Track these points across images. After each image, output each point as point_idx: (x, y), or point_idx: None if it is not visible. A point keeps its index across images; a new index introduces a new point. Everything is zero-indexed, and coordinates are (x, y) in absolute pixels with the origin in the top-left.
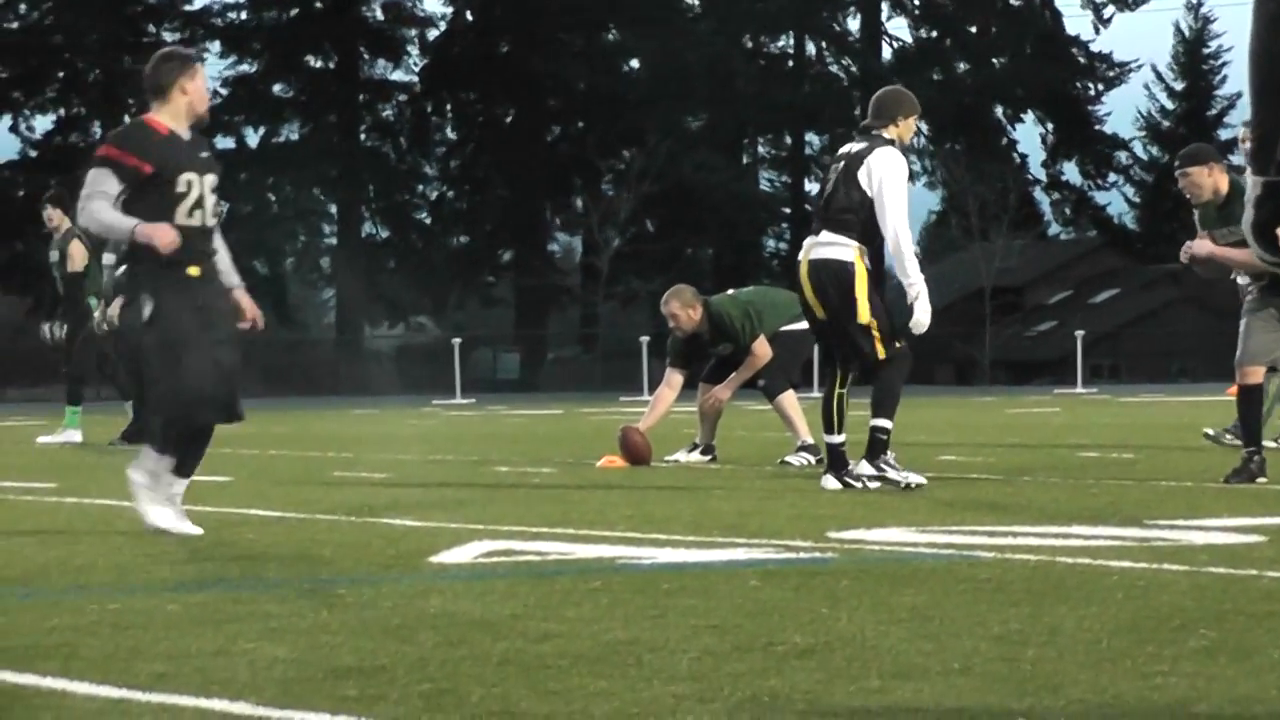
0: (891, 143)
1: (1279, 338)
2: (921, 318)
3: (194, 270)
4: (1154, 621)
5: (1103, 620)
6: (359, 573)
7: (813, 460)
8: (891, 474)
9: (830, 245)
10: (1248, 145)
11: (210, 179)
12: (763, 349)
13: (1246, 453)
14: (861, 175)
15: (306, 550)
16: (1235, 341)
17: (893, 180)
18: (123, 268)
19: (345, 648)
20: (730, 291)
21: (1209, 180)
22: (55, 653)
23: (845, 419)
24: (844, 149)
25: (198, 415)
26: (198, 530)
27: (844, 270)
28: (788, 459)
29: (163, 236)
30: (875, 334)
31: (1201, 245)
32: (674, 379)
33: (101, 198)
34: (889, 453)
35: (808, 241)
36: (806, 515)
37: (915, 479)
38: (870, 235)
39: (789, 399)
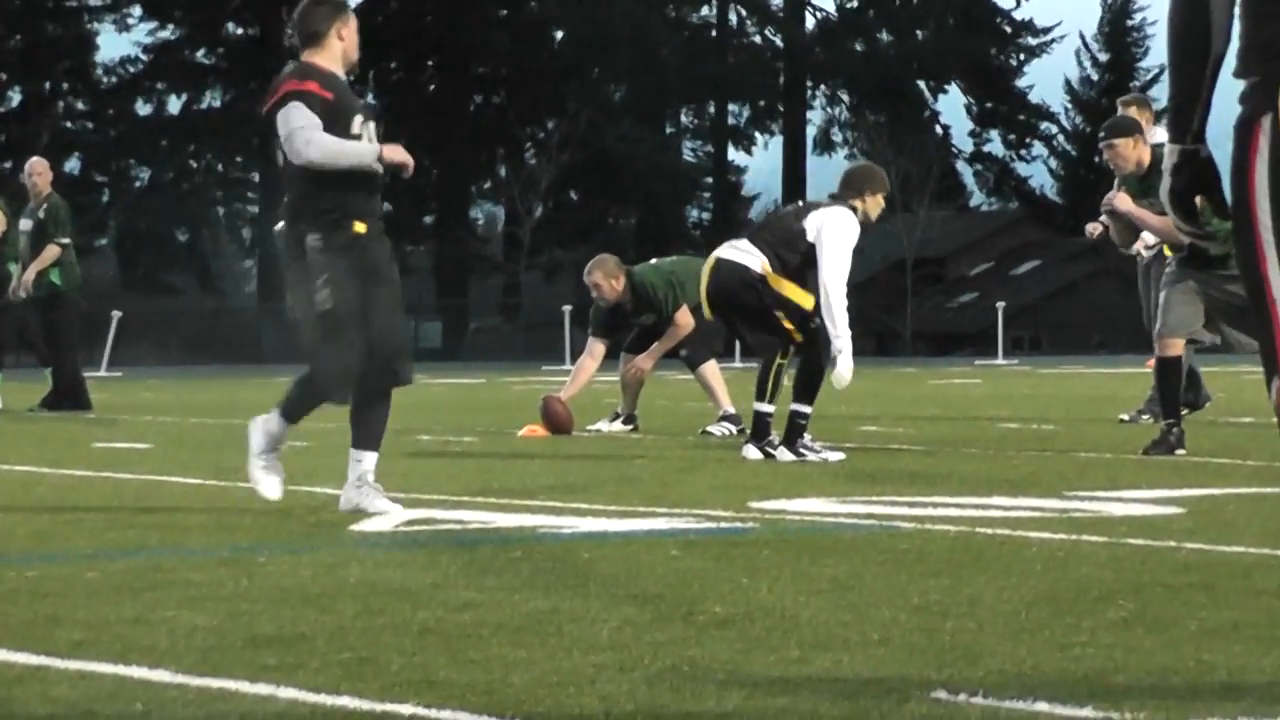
0: (854, 210)
1: (1198, 310)
2: (844, 372)
3: (360, 226)
4: (1073, 593)
5: (1022, 591)
6: (279, 541)
7: (734, 430)
8: (810, 456)
9: (743, 253)
10: (1132, 118)
11: (373, 126)
12: (685, 319)
13: (1165, 424)
14: (811, 221)
15: (227, 518)
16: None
17: (838, 239)
18: (278, 225)
19: (265, 616)
20: (653, 261)
21: (1133, 152)
22: None
23: (779, 390)
24: (812, 199)
25: (339, 389)
26: (395, 507)
27: (747, 271)
28: (709, 429)
29: (402, 154)
30: (786, 323)
31: (1122, 199)
32: (596, 349)
33: (317, 129)
34: (806, 435)
35: (725, 244)
36: (728, 485)
37: (834, 456)
38: (786, 273)
39: (711, 369)
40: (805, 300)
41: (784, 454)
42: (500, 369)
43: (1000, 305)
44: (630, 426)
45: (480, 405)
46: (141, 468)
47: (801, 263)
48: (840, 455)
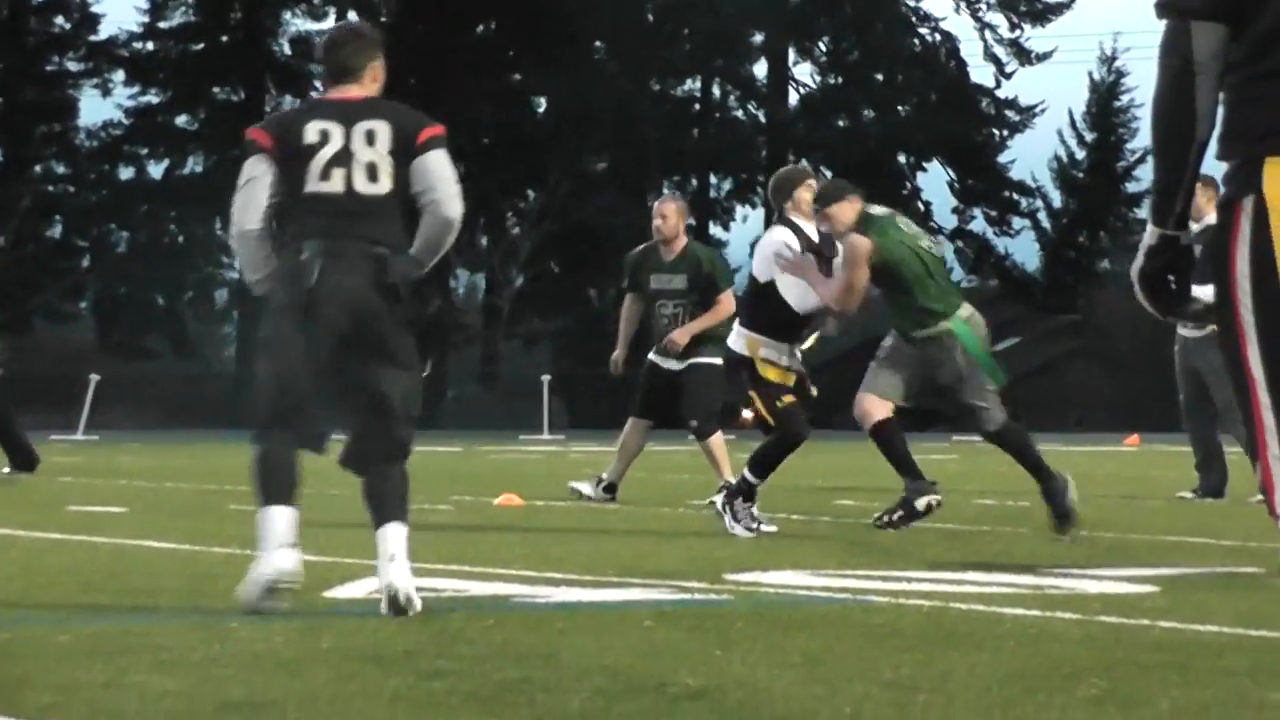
0: (789, 221)
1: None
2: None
3: None
4: (1045, 669)
5: (994, 668)
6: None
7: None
8: (737, 525)
9: (736, 336)
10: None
11: None
12: (729, 301)
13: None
14: (756, 264)
15: (200, 583)
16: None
17: (766, 257)
18: None
19: (236, 681)
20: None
21: (849, 212)
22: None
23: (772, 468)
24: None
25: None
26: None
27: (731, 353)
28: (714, 498)
29: None
30: (760, 405)
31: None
32: (638, 424)
33: None
34: (749, 502)
35: None
36: (702, 557)
37: (767, 528)
38: (758, 322)
39: (718, 441)
40: (781, 377)
41: (719, 504)
42: (478, 438)
43: None
44: (610, 496)
45: (456, 473)
46: (116, 532)
47: (774, 305)
48: (773, 529)
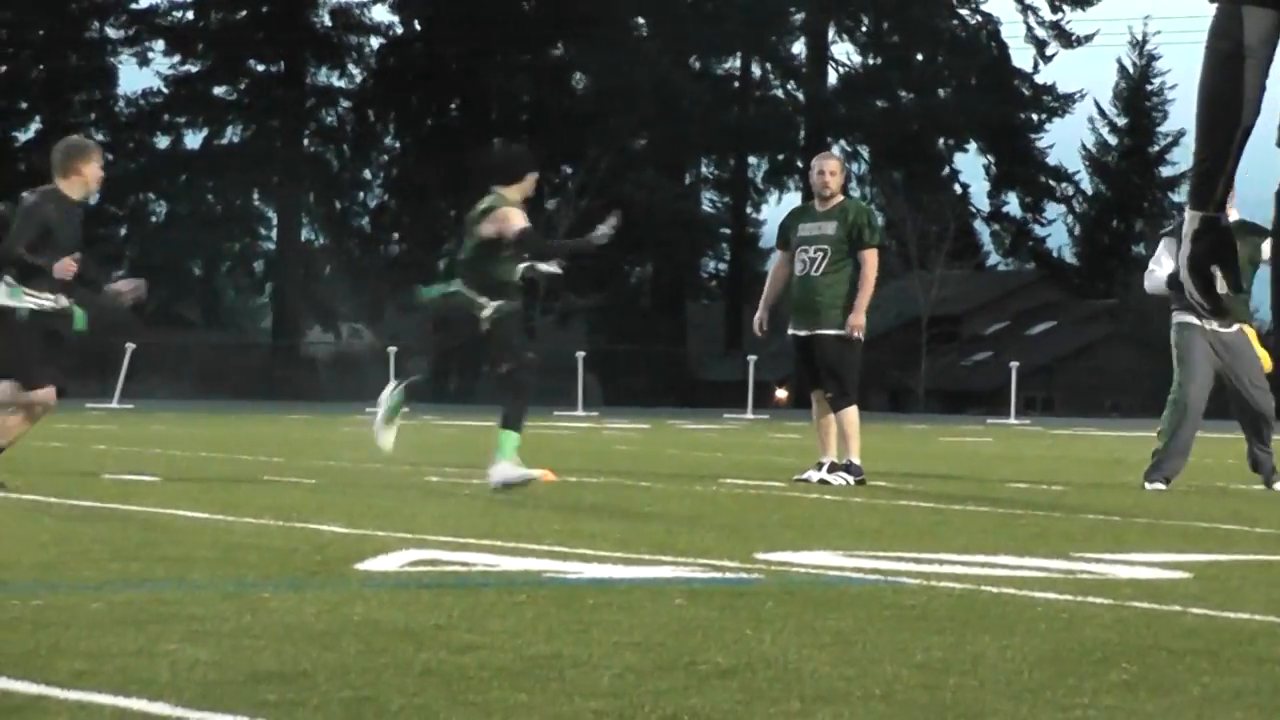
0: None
1: None
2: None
3: None
4: (1076, 654)
5: (1025, 651)
6: (284, 577)
7: (852, 481)
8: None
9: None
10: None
11: None
12: (874, 260)
13: None
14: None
15: (233, 553)
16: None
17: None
18: None
19: (267, 652)
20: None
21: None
22: None
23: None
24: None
25: None
26: None
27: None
28: (826, 477)
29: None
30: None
31: None
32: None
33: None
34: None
35: None
36: (735, 535)
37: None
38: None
39: (852, 415)
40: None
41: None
42: None
43: (1014, 365)
44: (855, 476)
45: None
46: (149, 500)
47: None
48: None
